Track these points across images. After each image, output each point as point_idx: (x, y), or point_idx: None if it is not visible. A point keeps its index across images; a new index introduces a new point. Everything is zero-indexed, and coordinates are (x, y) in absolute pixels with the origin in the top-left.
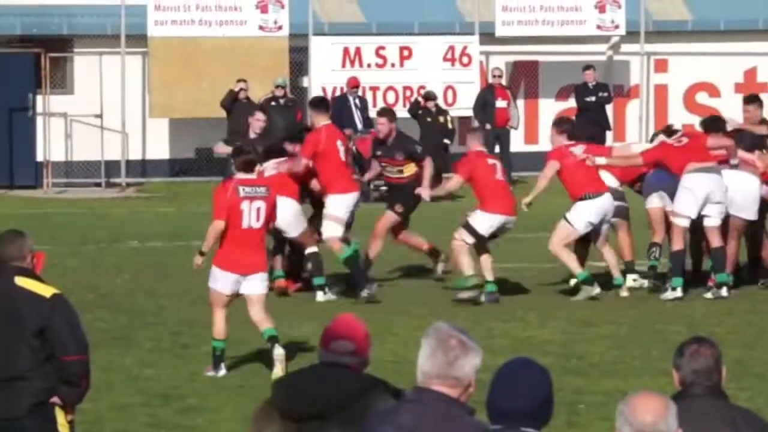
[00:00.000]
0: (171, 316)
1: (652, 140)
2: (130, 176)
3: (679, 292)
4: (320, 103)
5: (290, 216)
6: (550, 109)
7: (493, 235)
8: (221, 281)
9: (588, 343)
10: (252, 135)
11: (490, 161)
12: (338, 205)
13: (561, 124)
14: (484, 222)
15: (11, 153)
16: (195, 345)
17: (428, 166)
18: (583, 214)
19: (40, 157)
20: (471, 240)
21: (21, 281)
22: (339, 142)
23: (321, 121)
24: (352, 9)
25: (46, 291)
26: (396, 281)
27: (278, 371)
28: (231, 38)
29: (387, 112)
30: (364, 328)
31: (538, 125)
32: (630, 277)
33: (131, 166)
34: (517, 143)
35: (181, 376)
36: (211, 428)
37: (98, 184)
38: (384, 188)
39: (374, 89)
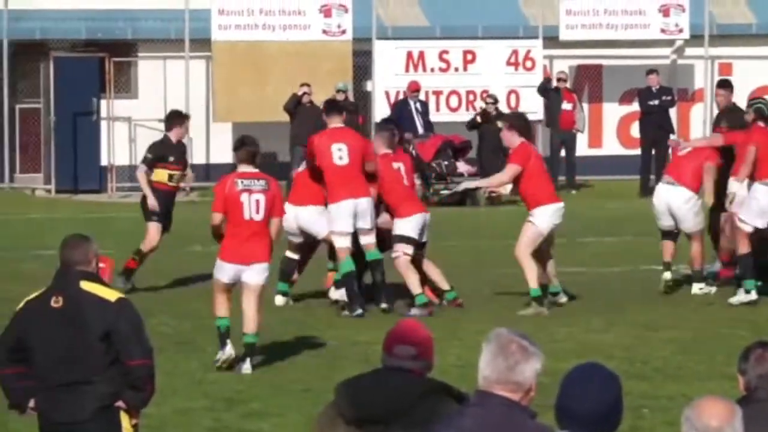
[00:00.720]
0: (234, 321)
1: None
2: (194, 180)
3: (753, 295)
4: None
5: (314, 217)
6: (614, 113)
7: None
8: (223, 271)
9: (652, 347)
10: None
11: (395, 165)
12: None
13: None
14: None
15: (75, 157)
16: (259, 349)
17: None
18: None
19: (104, 162)
20: (410, 250)
21: (86, 285)
22: (335, 147)
23: (331, 123)
24: (416, 13)
25: (111, 295)
26: (459, 286)
27: (247, 368)
28: (294, 42)
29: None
30: (428, 332)
31: (602, 129)
32: (696, 285)
33: (195, 170)
34: (581, 147)
35: (245, 380)
36: None
37: None
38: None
39: (437, 93)
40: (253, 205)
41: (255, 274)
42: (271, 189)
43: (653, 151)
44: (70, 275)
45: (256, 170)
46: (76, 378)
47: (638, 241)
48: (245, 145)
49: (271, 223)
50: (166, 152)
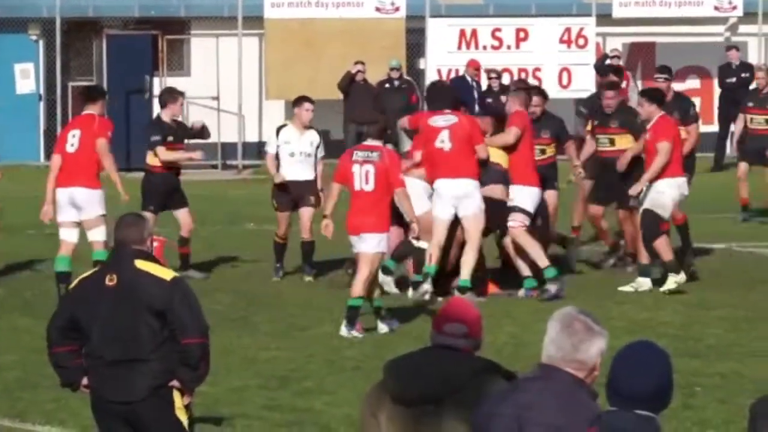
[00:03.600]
0: (288, 299)
1: None
2: (246, 158)
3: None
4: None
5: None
6: None
7: None
8: (353, 243)
9: (704, 325)
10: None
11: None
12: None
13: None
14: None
15: (128, 135)
16: (312, 327)
17: (571, 147)
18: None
19: None
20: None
21: (141, 264)
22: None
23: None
24: None
25: (166, 274)
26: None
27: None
28: (347, 20)
29: (541, 91)
30: (477, 311)
31: None
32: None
33: (248, 148)
34: None
35: (298, 359)
36: (327, 410)
37: (215, 166)
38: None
39: (489, 71)
40: (362, 176)
41: (364, 245)
42: (383, 160)
43: (731, 128)
44: (124, 254)
45: (378, 143)
46: (129, 356)
47: (696, 218)
48: (378, 122)
49: (395, 194)
50: (164, 132)
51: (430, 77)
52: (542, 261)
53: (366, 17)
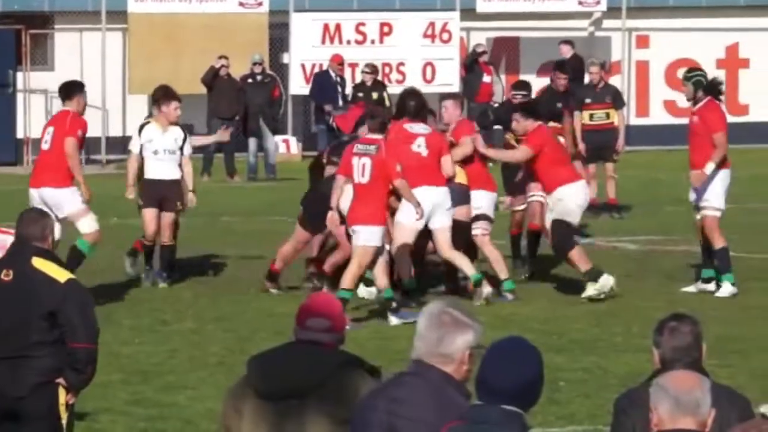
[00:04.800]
0: (150, 294)
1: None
2: (110, 153)
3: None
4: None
5: None
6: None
7: None
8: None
9: (568, 320)
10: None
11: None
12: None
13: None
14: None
15: None
16: (175, 322)
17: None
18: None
19: (20, 134)
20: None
21: (38, 263)
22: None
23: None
24: None
25: (61, 275)
26: None
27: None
28: (211, 14)
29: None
30: (340, 305)
31: None
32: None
33: (111, 143)
34: None
35: (161, 354)
36: (191, 405)
37: None
38: None
39: (353, 66)
40: (359, 168)
41: (354, 237)
42: (380, 153)
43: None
44: (23, 250)
45: (379, 136)
46: (17, 352)
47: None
48: (376, 116)
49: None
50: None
51: (294, 72)
52: (503, 274)
53: (230, 12)
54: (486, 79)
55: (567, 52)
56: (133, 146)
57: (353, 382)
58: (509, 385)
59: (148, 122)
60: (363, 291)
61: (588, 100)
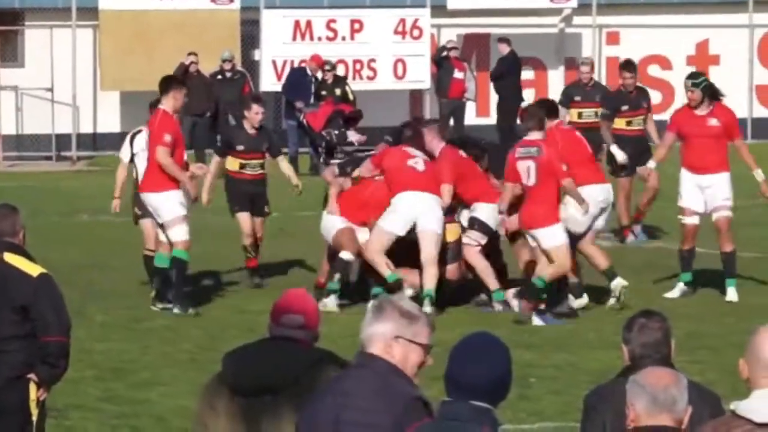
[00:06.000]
0: (123, 291)
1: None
2: (81, 150)
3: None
4: None
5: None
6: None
7: None
8: None
9: None
10: (251, 130)
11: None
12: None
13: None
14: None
15: None
16: (148, 319)
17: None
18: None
19: None
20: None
21: (9, 257)
22: None
23: None
24: None
25: (33, 270)
26: None
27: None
28: (182, 11)
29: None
30: (315, 302)
31: (489, 98)
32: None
33: (82, 140)
34: (469, 116)
35: (133, 350)
36: (163, 402)
37: (49, 158)
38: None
39: (324, 63)
40: (525, 172)
41: (541, 242)
42: (542, 154)
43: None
44: None
45: (540, 136)
46: None
47: None
48: (533, 115)
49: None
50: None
51: (265, 68)
52: (492, 284)
53: (200, 8)
54: (457, 75)
55: (504, 49)
56: (123, 155)
57: (327, 378)
58: (478, 381)
59: (140, 131)
60: (330, 302)
61: (577, 98)
